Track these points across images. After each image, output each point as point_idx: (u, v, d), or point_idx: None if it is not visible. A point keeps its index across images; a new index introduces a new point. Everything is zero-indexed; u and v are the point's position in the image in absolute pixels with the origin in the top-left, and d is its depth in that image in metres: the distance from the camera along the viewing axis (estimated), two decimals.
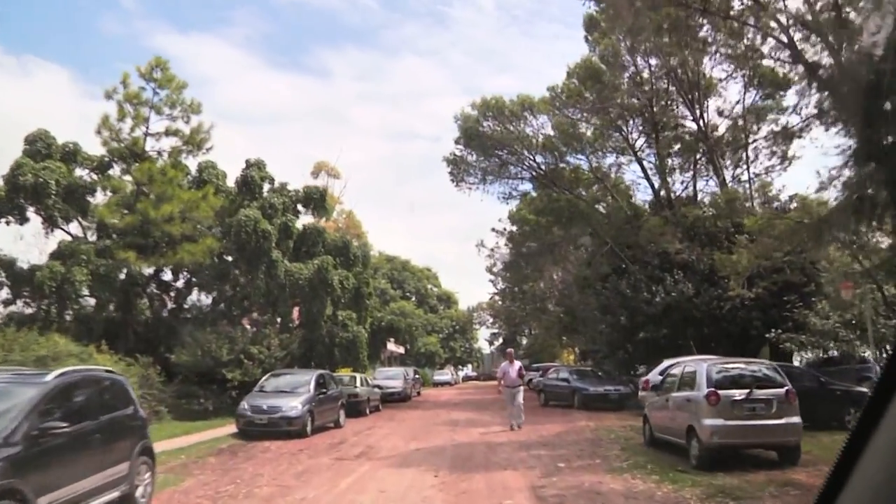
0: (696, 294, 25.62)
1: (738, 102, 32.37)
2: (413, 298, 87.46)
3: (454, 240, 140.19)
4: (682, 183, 36.34)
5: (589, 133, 38.06)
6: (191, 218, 26.93)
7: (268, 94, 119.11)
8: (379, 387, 33.66)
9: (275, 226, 27.01)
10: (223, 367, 24.36)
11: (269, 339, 25.91)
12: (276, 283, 26.79)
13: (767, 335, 23.33)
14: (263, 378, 20.57)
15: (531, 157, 38.18)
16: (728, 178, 33.52)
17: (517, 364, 18.83)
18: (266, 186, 29.68)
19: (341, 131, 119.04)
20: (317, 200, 30.42)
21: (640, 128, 36.03)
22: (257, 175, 29.07)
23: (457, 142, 38.94)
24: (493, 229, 40.45)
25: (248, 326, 28.22)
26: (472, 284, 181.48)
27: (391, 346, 56.83)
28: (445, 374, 67.98)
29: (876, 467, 1.46)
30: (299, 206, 30.64)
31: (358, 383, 25.36)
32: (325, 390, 19.69)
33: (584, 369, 29.02)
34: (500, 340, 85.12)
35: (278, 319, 28.73)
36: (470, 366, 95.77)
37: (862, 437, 1.51)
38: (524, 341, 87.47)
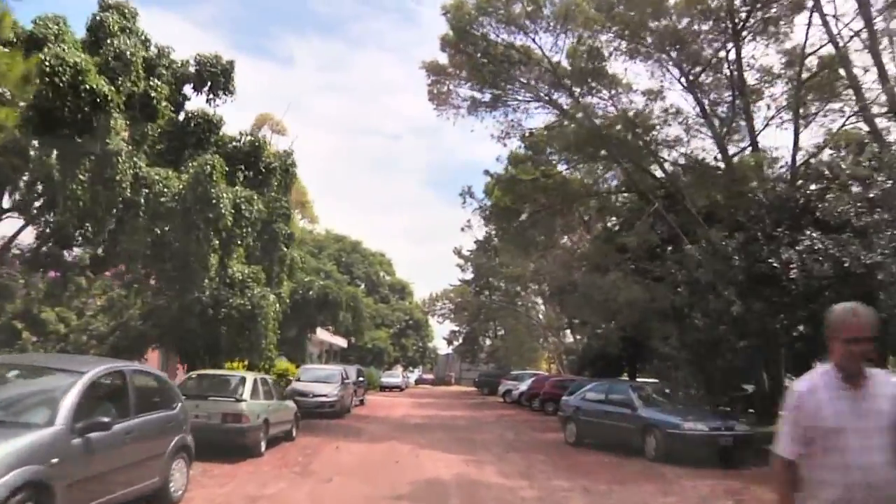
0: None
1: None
2: (362, 286, 75.64)
3: (411, 240, 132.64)
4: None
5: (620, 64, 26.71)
6: None
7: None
8: (300, 394, 21.50)
9: (121, 91, 14.49)
10: None
11: (85, 298, 13.51)
12: (114, 195, 14.31)
13: None
14: None
15: (551, 72, 26.10)
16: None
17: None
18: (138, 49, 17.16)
19: (300, 120, 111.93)
20: (215, 78, 17.97)
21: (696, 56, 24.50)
22: (115, 22, 16.45)
23: (443, 44, 26.86)
24: (485, 171, 28.43)
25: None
26: (428, 287, 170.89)
27: (326, 335, 44.27)
28: (395, 377, 55.69)
29: None
30: (187, 90, 18.17)
31: (247, 392, 12.98)
32: (106, 419, 7.01)
33: (643, 385, 17.15)
34: (461, 340, 73.19)
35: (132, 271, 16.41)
36: (421, 367, 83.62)
37: None
38: (487, 342, 75.84)
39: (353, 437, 17.39)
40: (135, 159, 15.03)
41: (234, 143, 17.38)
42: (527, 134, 26.79)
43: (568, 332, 48.43)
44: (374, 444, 16.38)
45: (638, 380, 25.24)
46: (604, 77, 25.88)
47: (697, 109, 24.90)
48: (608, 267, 24.80)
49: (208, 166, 14.93)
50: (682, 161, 26.23)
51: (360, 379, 29.73)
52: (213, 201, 14.73)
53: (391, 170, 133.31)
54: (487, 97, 27.63)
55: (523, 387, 34.93)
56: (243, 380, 13.15)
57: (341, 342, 53.39)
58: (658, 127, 25.98)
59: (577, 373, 44.09)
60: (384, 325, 72.38)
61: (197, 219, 14.79)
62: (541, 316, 51.99)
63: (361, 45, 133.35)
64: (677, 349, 16.63)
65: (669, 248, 24.76)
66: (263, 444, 13.03)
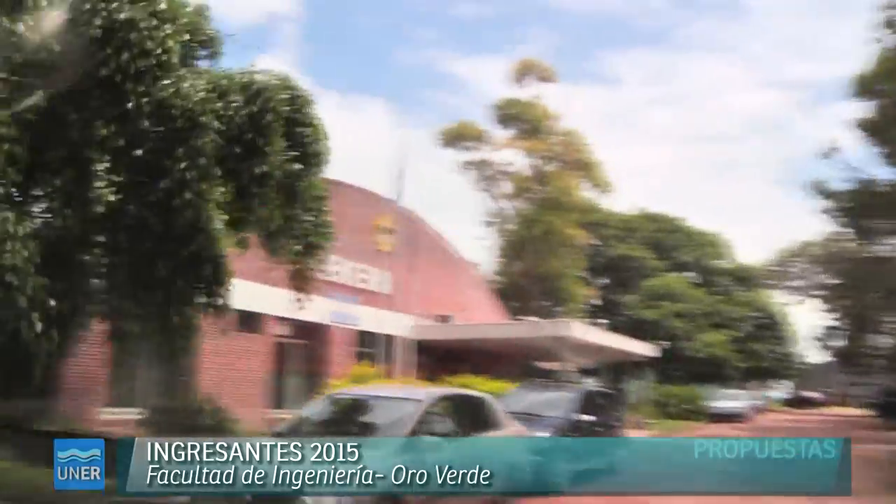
0: None
1: None
2: (693, 274, 57.42)
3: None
4: None
5: None
6: None
7: (556, 105, 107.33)
8: None
9: None
10: None
11: None
12: None
13: None
14: None
15: None
16: None
17: None
18: None
19: (630, 136, 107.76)
20: None
21: None
22: None
23: None
24: None
25: None
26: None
27: (598, 335, 25.87)
28: (733, 400, 36.50)
29: None
30: None
31: None
32: None
33: None
34: (844, 338, 49.30)
35: None
36: (785, 381, 60.98)
37: None
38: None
39: None
40: None
41: None
42: None
43: None
44: None
45: None
46: None
47: None
48: None
49: None
50: None
51: (586, 417, 13.00)
52: None
53: (736, 174, 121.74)
54: None
55: None
56: None
57: (642, 349, 34.41)
58: None
59: None
60: (721, 325, 52.32)
61: None
62: None
63: (686, 51, 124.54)
64: None
65: None
66: None
